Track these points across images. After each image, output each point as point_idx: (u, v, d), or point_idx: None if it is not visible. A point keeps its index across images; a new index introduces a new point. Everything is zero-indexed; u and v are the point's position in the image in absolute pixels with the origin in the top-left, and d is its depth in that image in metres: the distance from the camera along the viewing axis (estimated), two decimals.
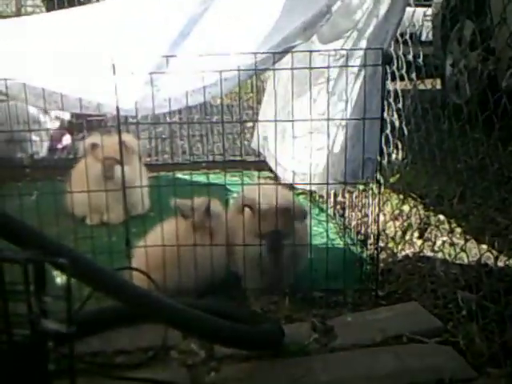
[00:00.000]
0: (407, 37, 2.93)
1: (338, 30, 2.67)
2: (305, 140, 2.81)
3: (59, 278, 1.74)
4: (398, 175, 3.03)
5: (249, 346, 1.91)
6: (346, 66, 2.41)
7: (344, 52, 2.59)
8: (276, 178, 3.51)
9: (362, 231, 2.88)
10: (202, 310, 1.75)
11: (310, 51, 2.31)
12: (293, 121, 2.50)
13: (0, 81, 2.26)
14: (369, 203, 2.72)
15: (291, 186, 2.87)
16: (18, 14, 6.69)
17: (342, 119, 2.58)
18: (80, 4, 4.97)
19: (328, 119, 2.36)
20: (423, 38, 5.47)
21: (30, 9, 6.93)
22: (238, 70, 2.22)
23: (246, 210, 2.44)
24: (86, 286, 1.62)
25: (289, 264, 2.41)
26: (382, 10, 2.48)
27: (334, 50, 2.63)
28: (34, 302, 1.01)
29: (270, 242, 2.37)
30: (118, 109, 2.27)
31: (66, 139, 4.72)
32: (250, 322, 1.97)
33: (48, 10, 5.89)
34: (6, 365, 1.07)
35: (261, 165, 3.80)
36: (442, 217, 3.01)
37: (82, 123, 3.95)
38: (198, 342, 2.01)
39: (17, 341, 1.04)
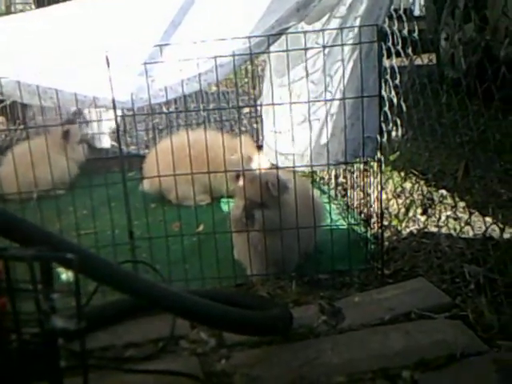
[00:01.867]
0: (401, 12, 2.90)
1: (321, 8, 2.63)
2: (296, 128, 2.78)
3: (64, 275, 1.73)
4: (398, 152, 3.01)
5: (259, 332, 1.91)
6: (342, 44, 2.39)
7: (328, 31, 2.55)
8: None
9: (365, 211, 2.87)
10: (209, 298, 1.75)
11: (305, 32, 2.29)
12: (290, 103, 2.48)
13: None
14: (370, 182, 2.71)
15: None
16: (7, 12, 6.63)
17: (340, 99, 2.55)
18: None
19: (325, 100, 2.34)
20: (416, 12, 5.41)
21: (19, 6, 6.84)
22: (233, 56, 2.20)
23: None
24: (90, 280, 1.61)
25: (291, 245, 2.40)
26: None
27: (329, 29, 2.60)
28: (43, 300, 1.00)
29: (244, 209, 2.39)
30: (114, 102, 2.25)
31: None
32: (258, 308, 1.97)
33: (38, 6, 5.83)
34: (18, 364, 1.07)
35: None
36: (444, 192, 2.99)
37: None
38: (208, 331, 2.01)
39: (27, 340, 1.04)
